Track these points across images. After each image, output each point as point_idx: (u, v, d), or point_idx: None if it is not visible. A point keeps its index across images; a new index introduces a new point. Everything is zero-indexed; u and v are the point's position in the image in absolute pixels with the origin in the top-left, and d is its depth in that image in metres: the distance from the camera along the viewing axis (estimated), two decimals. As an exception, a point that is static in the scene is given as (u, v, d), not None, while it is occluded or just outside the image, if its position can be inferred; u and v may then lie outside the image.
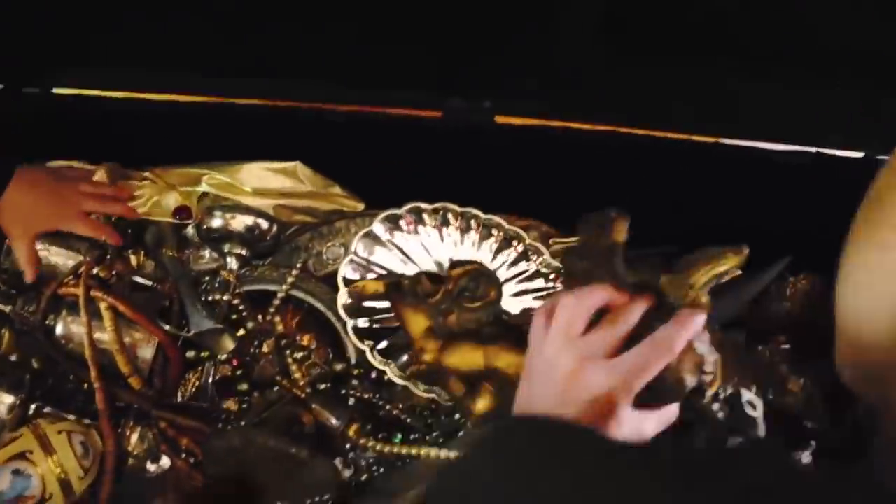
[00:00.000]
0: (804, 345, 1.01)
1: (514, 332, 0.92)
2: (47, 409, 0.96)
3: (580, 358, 0.62)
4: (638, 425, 0.61)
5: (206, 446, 0.91)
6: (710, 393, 0.67)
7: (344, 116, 1.16)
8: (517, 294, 1.07)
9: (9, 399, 0.93)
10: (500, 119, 1.15)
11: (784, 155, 1.14)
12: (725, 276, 0.97)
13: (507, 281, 1.08)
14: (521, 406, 0.65)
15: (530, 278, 1.08)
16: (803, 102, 1.07)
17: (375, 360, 1.00)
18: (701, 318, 0.63)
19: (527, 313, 0.98)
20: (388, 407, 1.01)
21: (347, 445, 0.97)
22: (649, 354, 0.61)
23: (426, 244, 1.07)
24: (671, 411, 0.65)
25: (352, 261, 1.04)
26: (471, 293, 0.94)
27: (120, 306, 0.98)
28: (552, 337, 0.64)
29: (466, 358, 0.91)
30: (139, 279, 1.04)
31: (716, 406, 0.70)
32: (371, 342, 1.00)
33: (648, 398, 0.62)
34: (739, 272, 0.98)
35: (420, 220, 1.07)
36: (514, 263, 1.09)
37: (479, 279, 0.96)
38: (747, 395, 0.80)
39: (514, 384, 0.69)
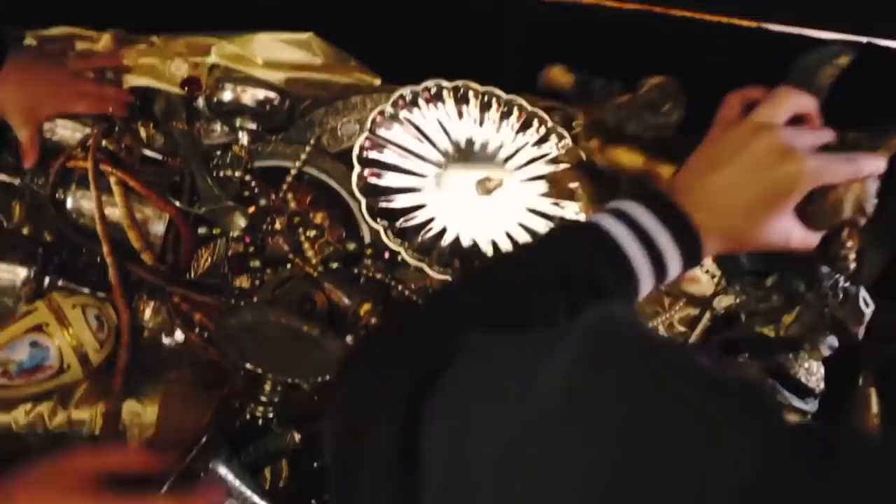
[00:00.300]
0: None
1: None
2: (61, 283, 0.96)
3: (783, 139, 0.62)
4: (789, 229, 0.64)
5: (220, 322, 0.92)
6: (848, 246, 0.69)
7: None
8: (537, 177, 1.05)
9: (22, 272, 0.93)
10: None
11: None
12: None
13: (528, 163, 1.05)
14: (700, 178, 0.65)
15: (552, 161, 1.05)
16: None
17: (390, 241, 0.98)
18: (884, 165, 0.65)
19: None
20: (400, 288, 1.01)
21: (358, 325, 0.98)
22: (840, 162, 0.63)
23: (444, 123, 1.03)
24: (813, 239, 0.67)
25: (368, 138, 1.01)
26: (655, 106, 0.89)
27: (130, 181, 0.97)
28: (754, 120, 0.65)
29: (627, 157, 0.88)
30: (149, 153, 1.02)
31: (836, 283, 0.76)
32: (385, 222, 0.99)
33: (806, 211, 0.64)
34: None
35: (439, 98, 1.04)
36: (536, 145, 1.06)
37: (667, 95, 0.90)
38: (864, 293, 0.81)
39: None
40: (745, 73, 1.04)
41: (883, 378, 0.91)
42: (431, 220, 1.02)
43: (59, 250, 0.98)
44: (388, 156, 1.02)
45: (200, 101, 1.04)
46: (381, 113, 1.01)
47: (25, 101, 0.95)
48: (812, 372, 0.87)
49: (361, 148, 1.00)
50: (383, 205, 1.00)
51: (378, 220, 0.99)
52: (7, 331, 0.89)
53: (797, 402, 0.85)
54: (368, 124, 1.01)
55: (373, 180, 1.00)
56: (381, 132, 1.01)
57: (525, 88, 1.05)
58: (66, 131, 0.99)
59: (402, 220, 1.00)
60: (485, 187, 1.03)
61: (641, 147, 0.84)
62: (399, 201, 1.01)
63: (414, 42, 1.06)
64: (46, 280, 0.95)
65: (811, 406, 0.86)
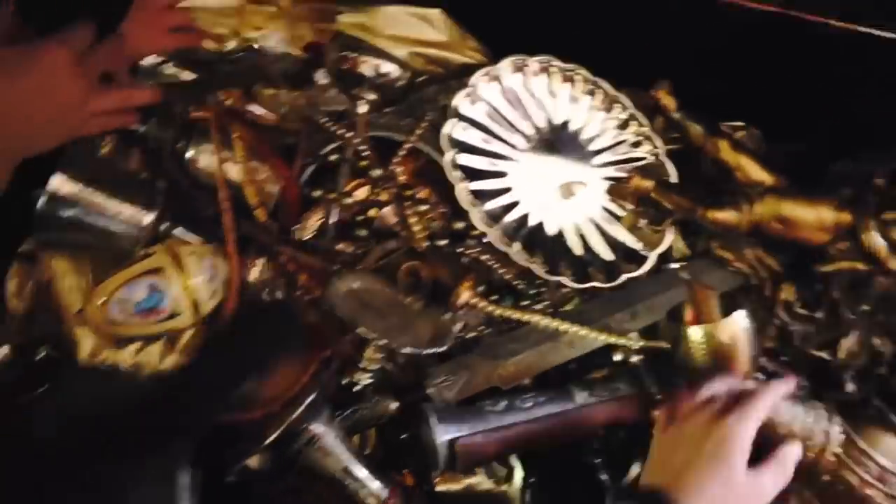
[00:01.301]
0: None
1: None
2: (177, 231, 0.98)
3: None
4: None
5: (329, 284, 0.93)
6: None
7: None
8: (619, 162, 1.06)
9: (145, 216, 0.95)
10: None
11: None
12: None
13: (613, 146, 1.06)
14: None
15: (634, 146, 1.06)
16: None
17: (480, 222, 1.00)
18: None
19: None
20: (501, 271, 1.02)
21: (460, 304, 0.99)
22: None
23: (540, 98, 1.04)
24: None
25: (468, 95, 1.02)
26: None
27: (250, 138, 0.98)
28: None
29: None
30: (267, 114, 1.04)
31: None
32: (479, 203, 1.00)
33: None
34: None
35: (546, 73, 1.05)
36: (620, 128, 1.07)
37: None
38: None
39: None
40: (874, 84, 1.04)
41: None
42: (516, 204, 1.03)
43: (175, 199, 1.00)
44: (481, 116, 1.03)
45: (320, 70, 1.05)
46: (487, 74, 1.02)
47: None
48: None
49: (460, 101, 1.02)
50: (474, 186, 1.01)
51: (472, 201, 1.00)
52: (127, 271, 0.91)
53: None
54: (472, 81, 1.02)
55: (463, 159, 1.01)
56: (481, 92, 1.02)
57: (641, 85, 1.06)
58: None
59: (489, 202, 1.02)
60: (568, 190, 1.04)
61: None
62: (488, 184, 1.02)
63: (533, 25, 1.06)
64: (164, 226, 0.98)
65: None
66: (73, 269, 0.98)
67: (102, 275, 0.95)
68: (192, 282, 0.93)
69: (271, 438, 0.88)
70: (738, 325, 0.81)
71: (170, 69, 1.02)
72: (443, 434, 0.88)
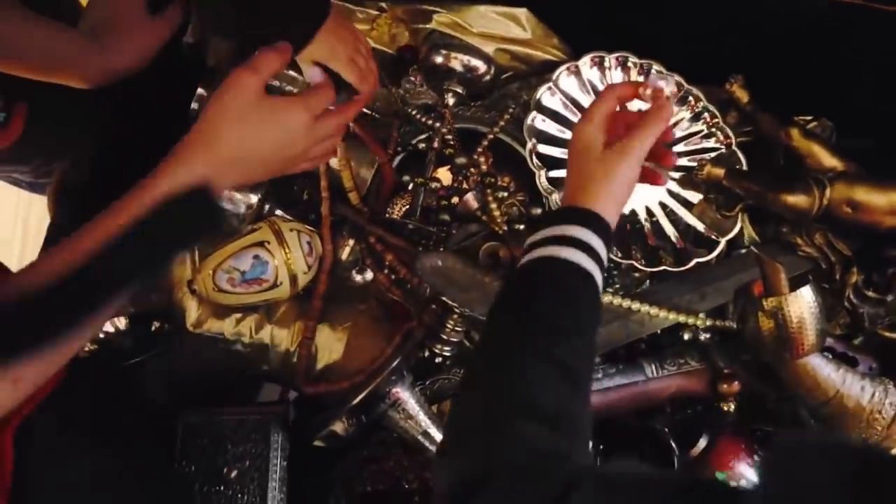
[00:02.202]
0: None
1: None
2: (278, 212, 1.08)
3: None
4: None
5: (418, 261, 1.01)
6: None
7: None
8: (693, 152, 1.10)
9: (253, 197, 1.05)
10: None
11: None
12: None
13: (686, 138, 1.11)
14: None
15: (706, 137, 1.11)
16: None
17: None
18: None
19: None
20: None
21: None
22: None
23: None
24: None
25: (550, 88, 1.09)
26: None
27: (351, 126, 1.07)
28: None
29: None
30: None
31: None
32: (556, 192, 1.05)
33: None
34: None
35: (624, 67, 1.10)
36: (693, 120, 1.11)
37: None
38: None
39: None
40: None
41: None
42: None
43: (275, 183, 1.10)
44: (562, 108, 1.10)
45: (413, 66, 1.14)
46: (569, 68, 1.09)
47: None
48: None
49: (543, 95, 1.08)
50: (553, 174, 1.07)
51: (549, 190, 1.06)
52: (235, 243, 1.01)
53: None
54: (555, 76, 1.09)
55: (542, 149, 1.08)
56: (563, 83, 1.09)
57: (711, 80, 1.11)
58: (294, 83, 1.10)
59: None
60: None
61: None
62: (565, 172, 1.07)
63: (613, 23, 1.12)
64: (266, 207, 1.07)
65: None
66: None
67: (208, 251, 1.05)
68: (293, 255, 1.01)
69: (357, 399, 0.94)
70: (805, 299, 0.84)
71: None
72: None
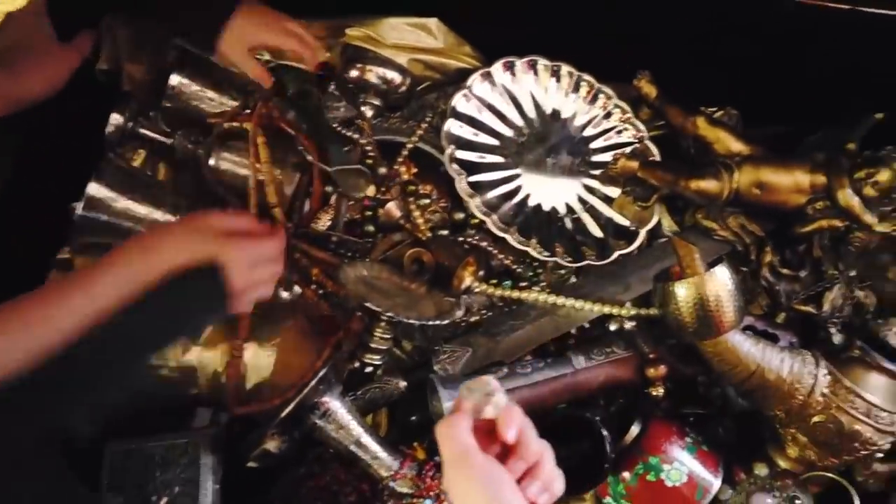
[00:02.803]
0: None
1: None
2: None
3: None
4: None
5: (341, 271, 1.00)
6: None
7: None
8: (607, 148, 1.13)
9: (170, 219, 1.03)
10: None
11: None
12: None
13: (600, 135, 1.13)
14: None
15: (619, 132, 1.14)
16: None
17: (478, 211, 1.06)
18: None
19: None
20: (500, 256, 1.08)
21: (462, 287, 1.05)
22: None
23: (530, 93, 1.14)
24: None
25: (465, 94, 1.11)
26: None
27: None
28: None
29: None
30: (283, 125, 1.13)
31: None
32: (477, 195, 1.07)
33: None
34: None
35: (534, 70, 1.13)
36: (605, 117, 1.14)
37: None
38: None
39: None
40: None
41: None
42: (512, 193, 1.11)
43: (200, 203, 1.08)
44: (477, 113, 1.12)
45: (332, 81, 1.15)
46: (483, 74, 1.11)
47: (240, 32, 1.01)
48: (901, 336, 0.91)
49: (458, 101, 1.10)
50: (472, 179, 1.08)
51: (470, 193, 1.07)
52: None
53: (887, 363, 0.88)
54: (469, 82, 1.11)
55: (460, 154, 1.09)
56: (478, 91, 1.11)
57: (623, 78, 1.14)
58: (216, 98, 1.11)
59: (489, 192, 1.09)
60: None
61: None
62: (486, 175, 1.10)
63: (523, 29, 1.15)
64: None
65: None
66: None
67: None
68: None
69: (286, 411, 0.93)
70: (720, 277, 0.86)
71: (194, 87, 1.11)
72: (448, 399, 0.94)
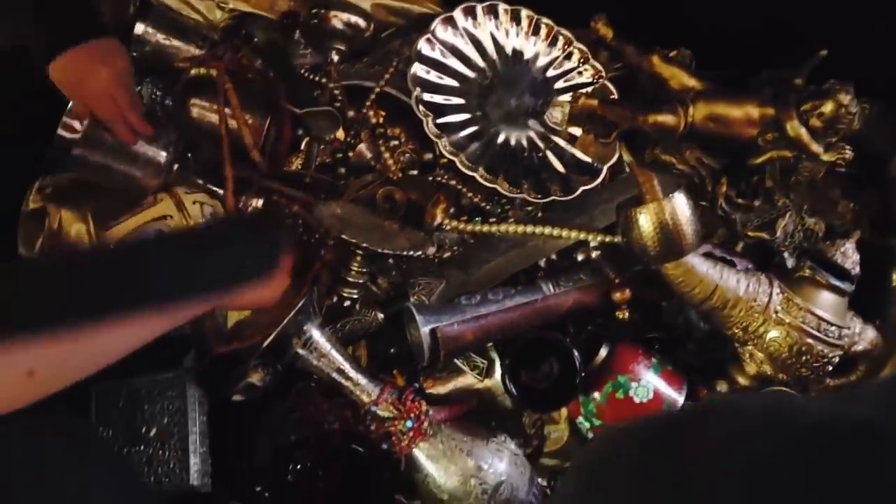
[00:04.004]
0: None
1: None
2: (183, 176, 1.08)
3: None
4: None
5: (316, 210, 1.03)
6: None
7: None
8: (568, 89, 1.18)
9: (163, 155, 1.04)
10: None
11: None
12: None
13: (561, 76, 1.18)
14: None
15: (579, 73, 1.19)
16: None
17: (446, 151, 1.09)
18: None
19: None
20: (469, 194, 1.12)
21: (434, 224, 1.08)
22: None
23: (495, 35, 1.18)
24: None
25: (428, 39, 1.14)
26: None
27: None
28: None
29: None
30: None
31: None
32: (444, 136, 1.10)
33: None
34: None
35: (494, 14, 1.17)
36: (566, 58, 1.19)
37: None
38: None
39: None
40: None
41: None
42: (478, 133, 1.14)
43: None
44: (441, 57, 1.15)
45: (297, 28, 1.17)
46: (446, 20, 1.14)
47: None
48: (848, 255, 0.98)
49: (422, 46, 1.13)
50: (441, 119, 1.12)
51: (438, 134, 1.10)
52: (136, 218, 1.02)
53: (835, 281, 0.95)
54: (432, 27, 1.14)
55: (427, 97, 1.12)
56: (440, 34, 1.15)
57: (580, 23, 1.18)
58: (181, 43, 1.12)
59: (455, 134, 1.12)
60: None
61: None
62: (452, 117, 1.13)
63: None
64: (175, 166, 1.07)
65: (847, 286, 0.96)
66: (78, 218, 1.08)
67: (103, 223, 1.05)
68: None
69: (268, 341, 0.96)
70: (678, 202, 0.91)
71: (159, 37, 1.12)
72: (425, 324, 0.98)
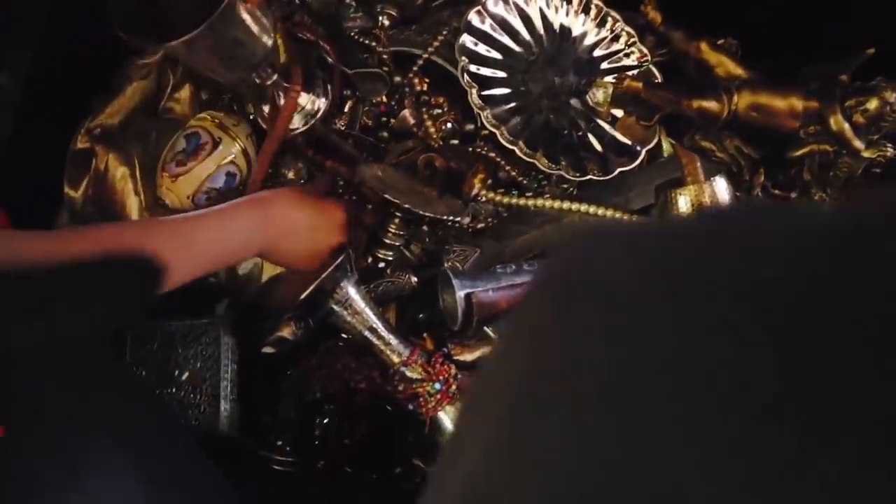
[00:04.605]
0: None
1: None
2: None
3: None
4: None
5: (359, 170, 1.05)
6: None
7: None
8: (613, 70, 1.19)
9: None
10: None
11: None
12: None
13: (607, 57, 1.19)
14: None
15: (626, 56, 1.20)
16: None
17: (488, 123, 1.10)
18: None
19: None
20: (507, 167, 1.14)
21: (472, 194, 1.10)
22: None
23: (545, 11, 1.19)
24: None
25: (479, 11, 1.15)
26: None
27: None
28: None
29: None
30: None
31: None
32: (487, 108, 1.11)
33: None
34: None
35: None
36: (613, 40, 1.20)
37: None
38: None
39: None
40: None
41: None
42: (523, 107, 1.15)
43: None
44: (490, 30, 1.16)
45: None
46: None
47: None
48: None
49: (472, 17, 1.15)
50: (485, 92, 1.13)
51: (481, 106, 1.11)
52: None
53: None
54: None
55: (473, 68, 1.13)
56: (490, 6, 1.16)
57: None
58: None
59: (498, 107, 1.13)
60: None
61: None
62: (496, 90, 1.14)
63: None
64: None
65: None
66: (123, 161, 1.09)
67: (149, 165, 1.08)
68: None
69: (305, 295, 0.97)
70: (719, 185, 0.93)
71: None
72: (461, 289, 0.99)
